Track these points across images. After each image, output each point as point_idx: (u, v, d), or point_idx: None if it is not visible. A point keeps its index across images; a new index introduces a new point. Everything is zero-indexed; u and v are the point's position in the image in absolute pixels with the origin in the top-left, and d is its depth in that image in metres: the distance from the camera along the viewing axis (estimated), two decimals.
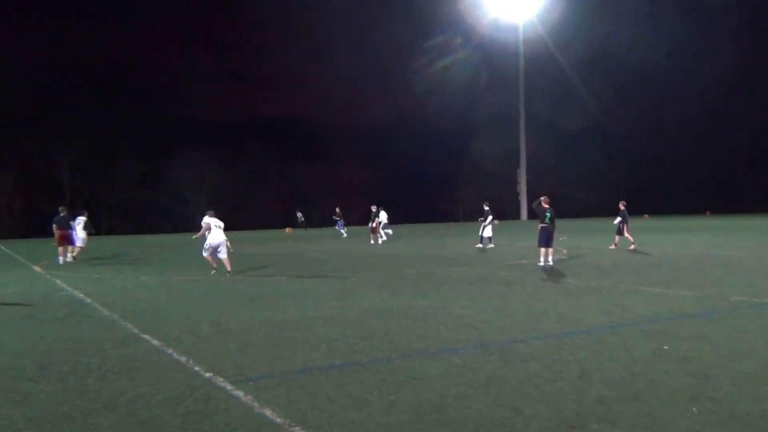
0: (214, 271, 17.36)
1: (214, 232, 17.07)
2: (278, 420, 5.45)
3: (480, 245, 26.08)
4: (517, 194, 76.61)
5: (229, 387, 6.46)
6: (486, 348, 8.02)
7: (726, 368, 6.74)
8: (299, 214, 44.11)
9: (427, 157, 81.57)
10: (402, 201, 75.70)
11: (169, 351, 8.19)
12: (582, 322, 9.71)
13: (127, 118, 70.24)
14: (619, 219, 25.19)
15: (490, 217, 26.09)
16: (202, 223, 17.29)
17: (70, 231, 23.43)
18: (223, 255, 17.24)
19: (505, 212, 73.71)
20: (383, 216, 34.64)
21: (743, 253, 21.49)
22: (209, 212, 17.64)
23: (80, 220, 24.58)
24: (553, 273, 16.52)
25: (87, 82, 72.07)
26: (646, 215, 72.69)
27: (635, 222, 55.91)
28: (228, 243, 17.40)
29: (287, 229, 54.41)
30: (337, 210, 41.17)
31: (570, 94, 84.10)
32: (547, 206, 18.68)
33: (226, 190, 75.91)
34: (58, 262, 22.48)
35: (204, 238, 17.29)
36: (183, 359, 7.71)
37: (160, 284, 16.15)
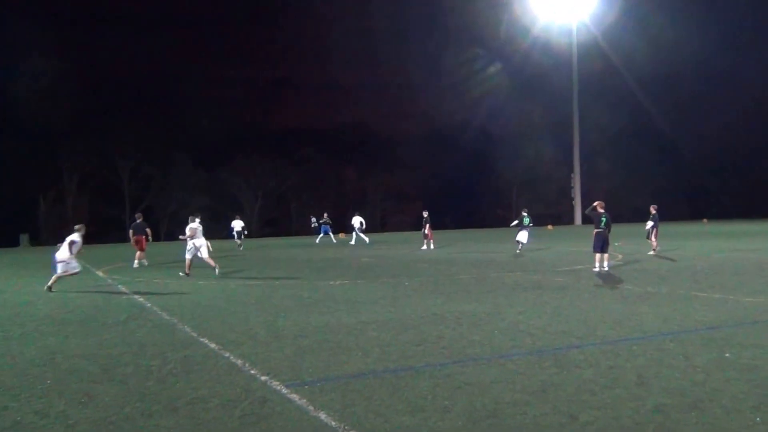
0: (182, 274, 18.85)
1: (198, 235, 18.97)
2: (333, 423, 5.50)
3: (518, 251, 26.44)
4: (572, 199, 75.55)
5: (284, 390, 6.55)
6: (541, 354, 7.95)
7: None
8: (313, 219, 42.84)
9: (481, 162, 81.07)
10: (456, 206, 75.48)
11: (227, 354, 8.34)
12: (639, 328, 9.54)
13: (182, 125, 71.58)
14: (651, 224, 24.88)
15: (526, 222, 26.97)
16: (188, 228, 19.07)
17: (142, 236, 24.37)
18: (204, 254, 18.85)
19: (560, 217, 72.89)
20: (356, 221, 37.39)
21: None
22: (195, 217, 19.64)
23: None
24: (608, 279, 16.26)
25: (140, 91, 73.71)
26: (705, 220, 70.94)
27: (694, 226, 54.81)
28: (208, 244, 19.08)
29: (340, 235, 54.78)
30: (325, 215, 40.37)
31: (625, 97, 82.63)
32: (602, 211, 18.40)
33: (281, 196, 76.75)
34: (133, 267, 23.26)
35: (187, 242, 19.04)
36: (239, 362, 7.85)
37: (217, 289, 16.40)
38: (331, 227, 40.82)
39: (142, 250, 24.20)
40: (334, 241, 40.27)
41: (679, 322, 9.90)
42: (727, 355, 7.58)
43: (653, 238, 24.82)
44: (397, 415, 5.70)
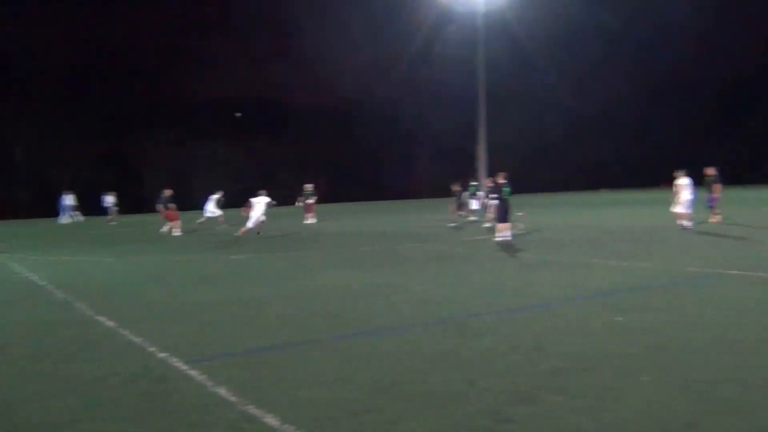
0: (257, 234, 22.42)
1: (257, 207, 21.76)
2: (232, 399, 5.40)
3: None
4: (476, 170, 76.86)
5: (183, 367, 6.40)
6: (443, 323, 8.04)
7: (679, 338, 6.84)
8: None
9: (387, 134, 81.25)
10: (364, 178, 75.48)
11: (125, 332, 8.09)
12: (538, 295, 9.79)
13: (87, 98, 68.48)
14: (484, 195, 25.79)
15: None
16: (255, 201, 22.15)
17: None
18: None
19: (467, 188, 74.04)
20: (212, 203, 30.83)
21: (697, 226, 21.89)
22: (262, 192, 22.55)
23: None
24: (510, 248, 16.63)
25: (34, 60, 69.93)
26: (604, 189, 73.62)
27: (592, 196, 56.91)
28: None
29: (242, 211, 53.95)
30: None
31: (530, 68, 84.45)
32: (504, 182, 18.75)
33: (187, 170, 74.76)
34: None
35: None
36: (138, 340, 7.62)
37: (115, 266, 15.87)
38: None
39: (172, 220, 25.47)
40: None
41: (575, 289, 10.21)
42: (620, 319, 7.86)
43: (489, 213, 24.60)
44: (299, 388, 5.64)
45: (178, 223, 25.45)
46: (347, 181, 73.68)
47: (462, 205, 27.47)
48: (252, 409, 5.14)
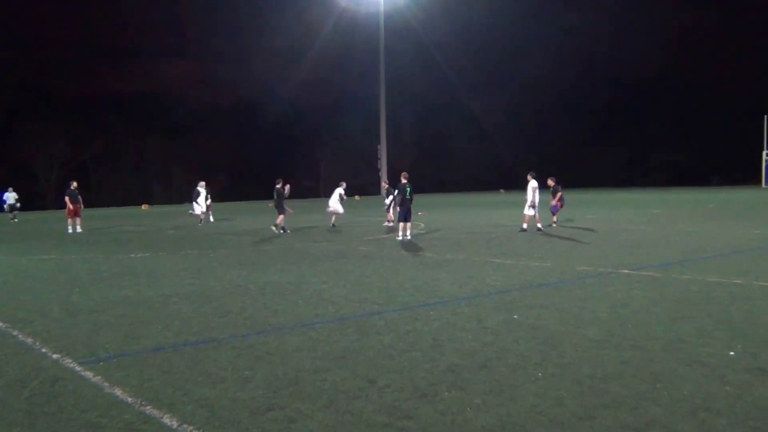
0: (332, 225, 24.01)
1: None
2: (129, 399, 5.27)
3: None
4: (378, 170, 77.32)
5: (78, 368, 6.21)
6: (343, 322, 8.01)
7: (571, 335, 7.07)
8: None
9: (289, 133, 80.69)
10: (263, 178, 74.65)
11: (15, 333, 7.80)
12: (437, 293, 9.91)
13: None
14: (391, 198, 24.24)
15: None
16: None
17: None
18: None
19: (367, 188, 74.41)
20: (201, 197, 30.07)
21: (592, 225, 22.77)
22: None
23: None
24: (411, 247, 16.80)
25: None
26: (502, 190, 75.59)
27: (491, 196, 58.31)
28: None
29: (144, 206, 52.45)
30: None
31: (431, 70, 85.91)
32: (405, 181, 18.92)
33: (80, 166, 71.71)
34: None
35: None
36: (30, 341, 7.35)
37: (5, 265, 15.06)
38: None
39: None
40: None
41: (473, 287, 10.40)
42: (515, 316, 8.05)
43: (391, 213, 24.31)
44: (196, 387, 5.53)
45: (79, 219, 24.60)
46: (247, 180, 72.72)
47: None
48: (149, 410, 5.02)
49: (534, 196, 20.39)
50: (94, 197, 61.88)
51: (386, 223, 24.09)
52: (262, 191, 70.14)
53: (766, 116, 71.83)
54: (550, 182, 22.62)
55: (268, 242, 18.96)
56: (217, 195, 33.52)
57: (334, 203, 24.49)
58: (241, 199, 60.88)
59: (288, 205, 22.39)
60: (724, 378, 5.51)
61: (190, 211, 30.07)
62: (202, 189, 28.56)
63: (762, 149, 73.21)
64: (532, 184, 20.57)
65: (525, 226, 20.64)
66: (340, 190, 24.98)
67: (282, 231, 21.89)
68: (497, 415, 4.74)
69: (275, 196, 22.07)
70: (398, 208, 19.27)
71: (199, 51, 76.99)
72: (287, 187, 22.51)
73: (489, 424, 4.60)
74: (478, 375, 5.70)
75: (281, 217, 21.85)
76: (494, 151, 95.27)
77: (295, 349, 6.72)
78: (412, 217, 19.46)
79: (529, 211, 20.47)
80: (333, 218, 24.78)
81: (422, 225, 24.10)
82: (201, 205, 28.45)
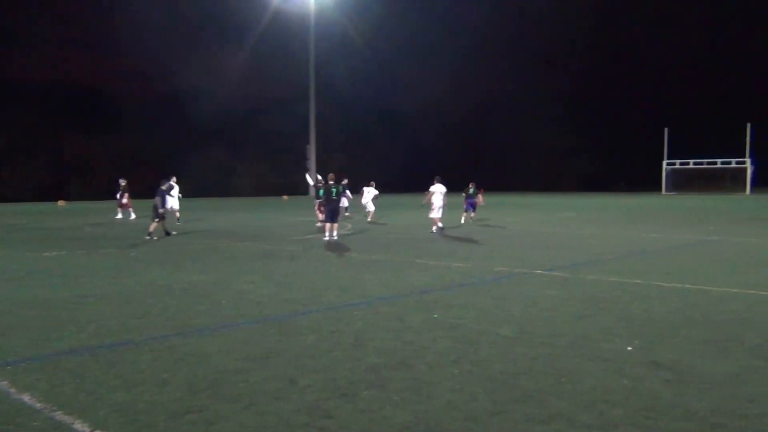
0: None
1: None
2: (38, 405, 5.13)
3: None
4: (307, 170, 77.10)
5: None
6: (266, 322, 8.09)
7: (486, 333, 7.36)
8: None
9: (217, 131, 79.43)
10: (191, 175, 73.32)
11: None
12: (361, 293, 10.09)
13: None
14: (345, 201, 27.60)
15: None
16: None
17: None
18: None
19: (296, 187, 73.99)
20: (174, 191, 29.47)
21: (511, 227, 23.41)
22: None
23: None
24: (337, 247, 16.94)
25: None
26: (285, 196, 76.46)
27: (419, 198, 58.76)
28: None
29: (60, 202, 50.80)
30: None
31: (361, 72, 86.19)
32: (332, 182, 19.08)
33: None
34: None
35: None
36: None
37: None
38: None
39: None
40: None
41: (397, 287, 10.63)
42: (435, 316, 8.31)
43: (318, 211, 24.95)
44: (111, 391, 5.46)
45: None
46: (170, 176, 71.17)
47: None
48: (60, 416, 4.91)
49: (438, 198, 21.31)
50: (4, 192, 59.46)
51: (318, 224, 24.13)
52: (183, 189, 68.94)
53: (666, 129, 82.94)
54: (472, 185, 24.86)
55: (193, 241, 18.76)
56: (140, 192, 32.83)
57: (368, 203, 27.09)
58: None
59: (208, 203, 22.05)
60: (622, 371, 5.90)
61: (167, 208, 28.24)
62: (174, 183, 26.42)
63: (663, 159, 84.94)
64: (437, 187, 21.40)
65: (440, 225, 21.54)
66: (373, 190, 27.72)
67: (162, 234, 20.40)
68: (414, 412, 4.94)
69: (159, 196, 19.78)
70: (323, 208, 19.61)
71: (121, 40, 74.64)
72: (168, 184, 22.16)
73: (406, 420, 4.79)
74: (397, 373, 5.90)
75: (155, 224, 19.77)
76: (422, 154, 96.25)
77: (216, 350, 6.75)
78: (339, 217, 19.62)
79: (434, 214, 21.24)
80: (371, 216, 26.96)
81: (349, 226, 24.28)
82: (175, 198, 26.47)
